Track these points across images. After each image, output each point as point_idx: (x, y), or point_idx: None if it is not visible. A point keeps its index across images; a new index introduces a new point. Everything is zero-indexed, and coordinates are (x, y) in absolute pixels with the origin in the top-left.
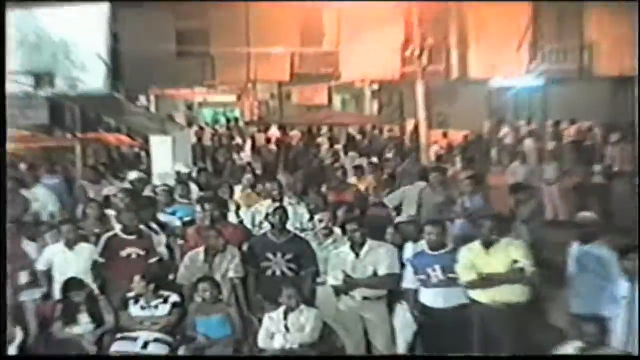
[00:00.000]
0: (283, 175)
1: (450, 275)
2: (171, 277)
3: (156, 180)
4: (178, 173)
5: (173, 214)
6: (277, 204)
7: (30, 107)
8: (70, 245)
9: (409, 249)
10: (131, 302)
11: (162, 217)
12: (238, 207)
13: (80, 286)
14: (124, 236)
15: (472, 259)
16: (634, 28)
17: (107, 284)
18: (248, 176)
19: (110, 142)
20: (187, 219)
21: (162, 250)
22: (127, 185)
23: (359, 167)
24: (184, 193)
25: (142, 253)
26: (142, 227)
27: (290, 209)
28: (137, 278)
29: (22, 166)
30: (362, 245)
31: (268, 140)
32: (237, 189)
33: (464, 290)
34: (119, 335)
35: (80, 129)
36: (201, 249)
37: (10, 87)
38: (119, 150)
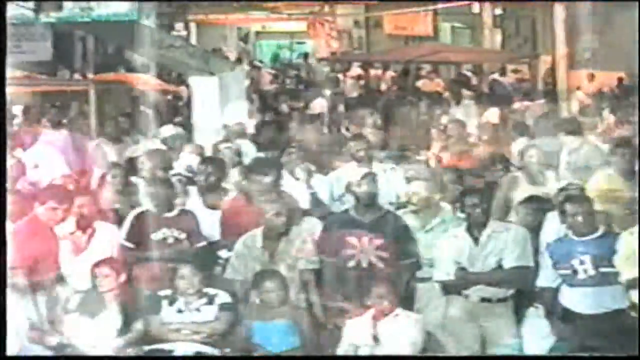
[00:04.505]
0: (371, 131)
1: (605, 269)
2: (217, 269)
3: (198, 137)
4: (227, 127)
5: None
6: (364, 170)
7: (28, 37)
8: (84, 225)
9: (548, 233)
10: (164, 302)
11: None
12: (309, 174)
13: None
14: (159, 213)
15: (637, 248)
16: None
17: (133, 278)
18: (322, 131)
19: (134, 86)
20: None
21: (212, 231)
22: (158, 145)
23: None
24: (235, 154)
25: (182, 236)
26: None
27: (381, 177)
28: (184, 270)
29: (17, 118)
30: (482, 226)
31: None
32: (309, 149)
33: (623, 291)
34: (146, 348)
35: (93, 68)
36: (258, 231)
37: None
38: (147, 96)
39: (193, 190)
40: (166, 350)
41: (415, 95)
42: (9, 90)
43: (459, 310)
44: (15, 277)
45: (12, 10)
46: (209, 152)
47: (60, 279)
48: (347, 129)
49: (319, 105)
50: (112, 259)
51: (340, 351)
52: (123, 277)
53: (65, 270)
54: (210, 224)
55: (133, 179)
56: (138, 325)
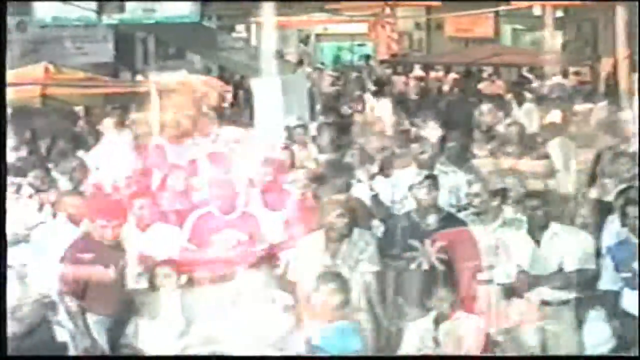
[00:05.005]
0: (432, 132)
1: None
2: (278, 270)
3: (260, 139)
4: (288, 129)
5: None
6: (426, 172)
7: (91, 39)
8: (143, 225)
9: (609, 236)
10: (225, 304)
11: None
12: (371, 176)
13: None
14: (221, 215)
15: None
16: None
17: (194, 279)
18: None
19: (196, 87)
20: None
21: (273, 233)
22: (220, 147)
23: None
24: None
25: (243, 238)
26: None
27: (442, 179)
28: (246, 271)
29: (80, 119)
30: (544, 229)
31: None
32: (370, 151)
33: None
34: (208, 349)
35: (155, 70)
36: (320, 232)
37: (66, 13)
38: (208, 98)
39: (254, 191)
40: (226, 352)
41: (476, 98)
42: (73, 91)
43: (520, 313)
44: (69, 300)
45: (74, 12)
46: (270, 154)
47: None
48: (409, 132)
49: (381, 107)
50: (173, 260)
51: (402, 352)
52: (184, 279)
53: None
54: (271, 226)
55: (194, 180)
56: (199, 327)
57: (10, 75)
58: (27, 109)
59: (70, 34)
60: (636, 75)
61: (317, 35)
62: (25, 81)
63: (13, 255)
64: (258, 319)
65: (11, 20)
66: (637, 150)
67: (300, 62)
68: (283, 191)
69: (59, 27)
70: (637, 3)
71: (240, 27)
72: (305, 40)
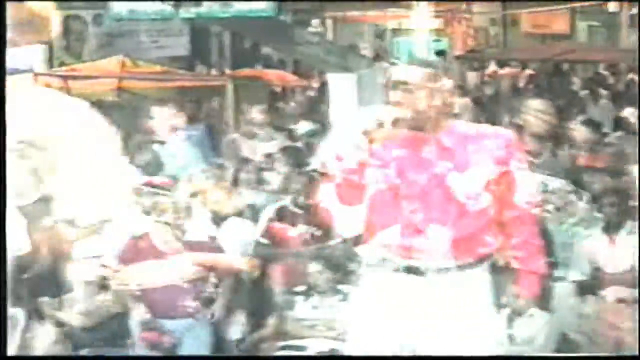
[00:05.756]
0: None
1: None
2: (353, 265)
3: (335, 134)
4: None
5: None
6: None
7: (166, 33)
8: (218, 219)
9: None
10: (299, 298)
11: None
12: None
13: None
14: (295, 209)
15: None
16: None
17: (266, 274)
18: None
19: (271, 82)
20: None
21: (348, 228)
22: (295, 141)
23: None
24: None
25: (317, 232)
26: None
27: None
28: (319, 266)
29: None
30: (619, 226)
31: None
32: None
33: None
34: (280, 344)
35: (230, 64)
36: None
37: (143, 7)
38: (284, 92)
39: (330, 186)
40: (299, 347)
41: (551, 94)
42: (148, 84)
43: (594, 311)
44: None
45: (151, 6)
46: (346, 149)
47: None
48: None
49: (457, 103)
50: (247, 255)
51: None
52: (258, 273)
53: None
54: (347, 221)
55: (268, 174)
56: (272, 321)
57: (86, 68)
58: (103, 102)
59: (146, 27)
60: None
61: (393, 30)
62: (102, 74)
63: (89, 247)
64: (332, 315)
65: (87, 14)
66: None
67: (376, 57)
68: (359, 186)
69: (135, 21)
70: None
71: (315, 22)
72: (381, 35)
